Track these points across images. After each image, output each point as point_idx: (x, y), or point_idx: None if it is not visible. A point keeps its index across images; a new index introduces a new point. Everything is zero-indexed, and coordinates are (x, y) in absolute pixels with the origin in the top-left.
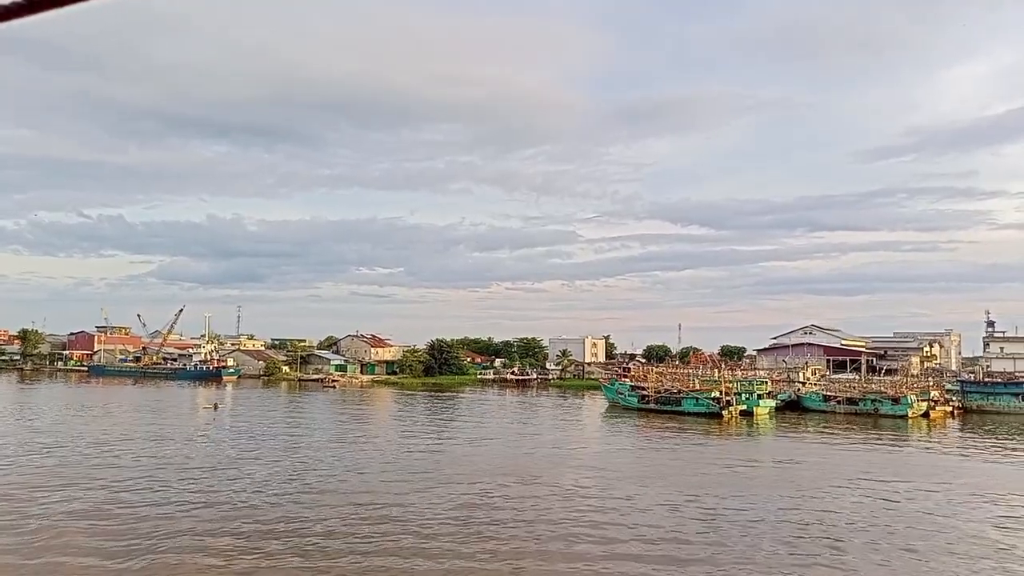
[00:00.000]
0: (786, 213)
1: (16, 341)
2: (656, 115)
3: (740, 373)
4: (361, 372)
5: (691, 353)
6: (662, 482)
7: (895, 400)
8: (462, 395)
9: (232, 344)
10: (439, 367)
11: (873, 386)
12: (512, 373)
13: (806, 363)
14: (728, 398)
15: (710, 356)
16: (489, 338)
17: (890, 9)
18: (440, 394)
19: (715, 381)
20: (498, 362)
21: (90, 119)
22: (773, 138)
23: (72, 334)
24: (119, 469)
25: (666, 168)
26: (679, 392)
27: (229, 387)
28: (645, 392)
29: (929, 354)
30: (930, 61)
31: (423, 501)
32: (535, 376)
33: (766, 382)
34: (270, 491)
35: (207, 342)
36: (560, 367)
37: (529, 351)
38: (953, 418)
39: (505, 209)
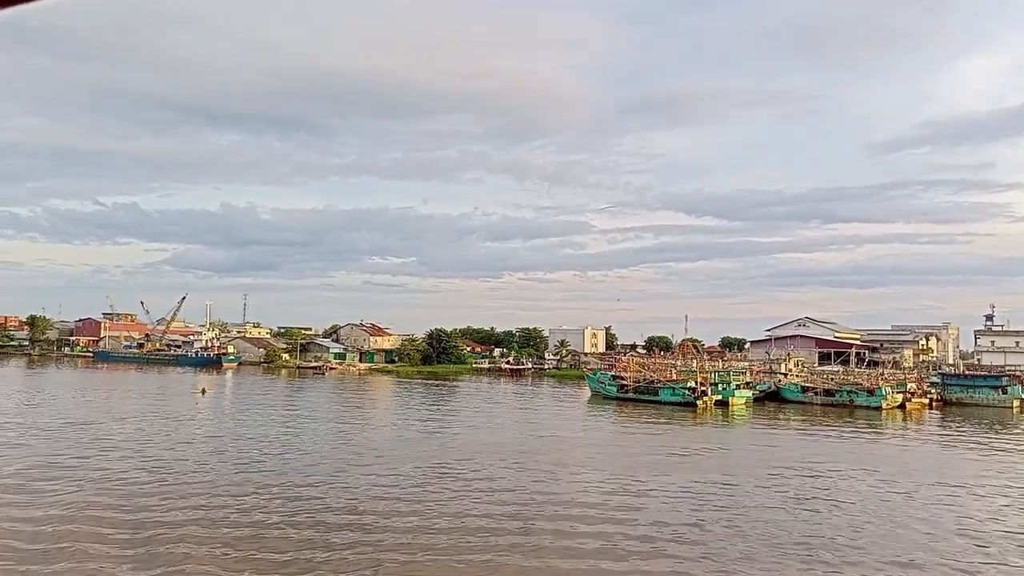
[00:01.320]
0: (800, 205)
1: (25, 327)
2: (668, 107)
3: (722, 364)
4: (360, 360)
5: (677, 344)
6: (613, 463)
7: (870, 392)
8: (454, 383)
9: (238, 332)
10: (437, 356)
11: (850, 378)
12: (507, 363)
13: (788, 355)
14: (703, 388)
15: (693, 346)
16: (492, 328)
17: (904, 1)
18: (433, 382)
19: (692, 372)
20: (497, 352)
21: (103, 108)
22: (786, 130)
23: (79, 321)
24: (78, 446)
25: (679, 159)
26: (656, 382)
27: (229, 373)
28: (625, 382)
29: (925, 347)
30: (944, 53)
31: (366, 481)
32: (530, 366)
33: (743, 373)
34: (215, 471)
35: (208, 330)
36: (557, 357)
37: (530, 341)
38: (932, 410)
39: (517, 199)
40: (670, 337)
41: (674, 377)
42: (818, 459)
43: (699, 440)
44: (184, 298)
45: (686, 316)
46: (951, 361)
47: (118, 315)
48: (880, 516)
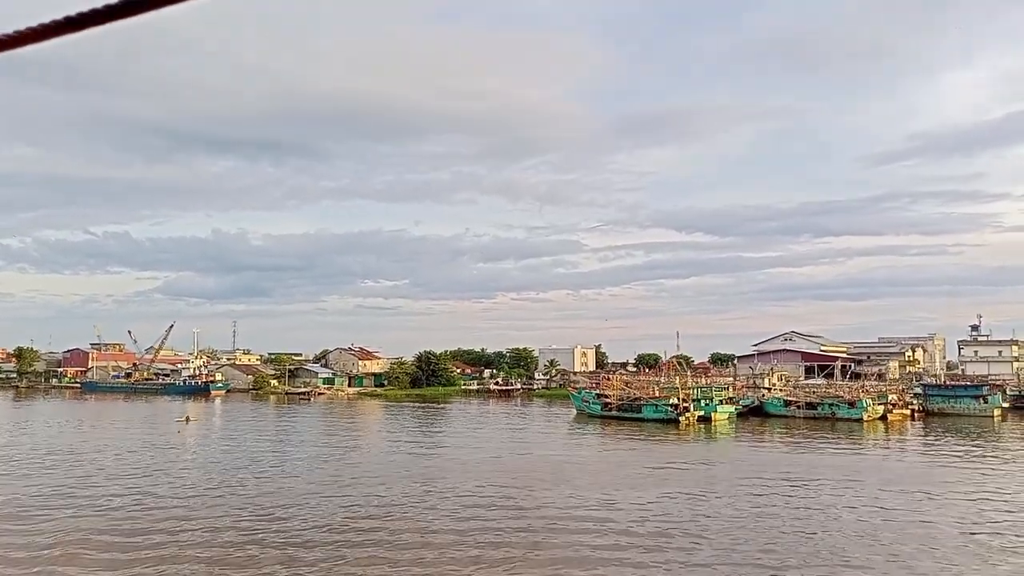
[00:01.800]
0: (791, 219)
1: (12, 359)
2: (659, 125)
3: (705, 380)
4: (349, 385)
5: (659, 361)
6: (590, 478)
7: (851, 404)
8: (443, 406)
9: (227, 359)
10: (426, 379)
11: (832, 391)
12: (496, 383)
13: (771, 369)
14: (685, 405)
15: (677, 363)
16: (483, 349)
17: (891, 18)
18: (422, 405)
19: (674, 388)
20: (487, 373)
21: (96, 136)
22: (776, 146)
23: (67, 352)
24: (52, 475)
25: (670, 177)
26: (639, 399)
27: (217, 401)
28: (608, 400)
29: (912, 359)
30: (931, 67)
31: (339, 503)
32: (519, 386)
33: (726, 388)
34: (197, 493)
35: (196, 357)
36: (547, 377)
37: (520, 361)
38: (914, 420)
39: (509, 219)
40: (661, 355)
41: (657, 394)
42: (791, 470)
43: (678, 455)
44: (172, 326)
45: (677, 333)
46: (937, 371)
47: (106, 345)
48: (841, 524)
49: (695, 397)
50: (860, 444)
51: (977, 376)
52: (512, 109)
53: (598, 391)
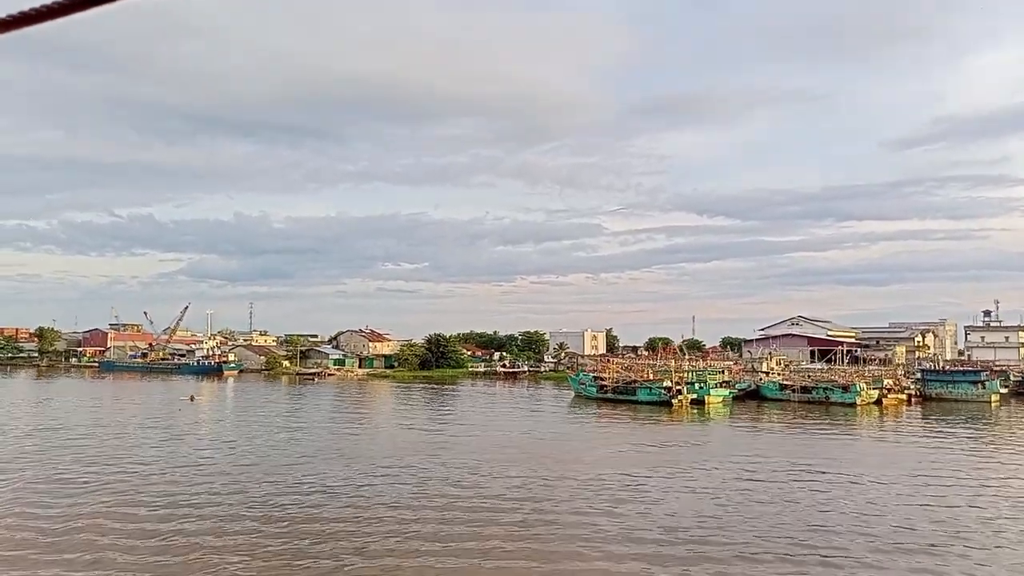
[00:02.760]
0: (813, 203)
1: (35, 339)
2: (680, 108)
3: (705, 364)
4: (359, 366)
5: (660, 344)
6: (570, 456)
7: (844, 388)
8: (449, 387)
9: (244, 340)
10: (436, 361)
11: (827, 375)
12: (503, 366)
13: (770, 353)
14: (678, 387)
15: (678, 347)
16: (495, 332)
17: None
18: (428, 386)
19: (667, 371)
20: (496, 355)
21: (119, 120)
22: (799, 129)
23: (87, 332)
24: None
25: (690, 160)
26: (634, 383)
27: (230, 381)
28: (604, 383)
29: (922, 344)
30: (958, 49)
31: (316, 479)
32: (526, 369)
33: (721, 372)
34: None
35: (209, 338)
36: (556, 360)
37: (532, 344)
38: (910, 405)
39: (528, 203)
40: (676, 339)
41: (651, 377)
42: (771, 452)
43: (665, 436)
44: (187, 307)
45: (693, 317)
46: (936, 357)
47: (124, 326)
48: (798, 505)
49: (689, 380)
50: (848, 428)
51: (982, 362)
52: (530, 93)
53: (595, 374)
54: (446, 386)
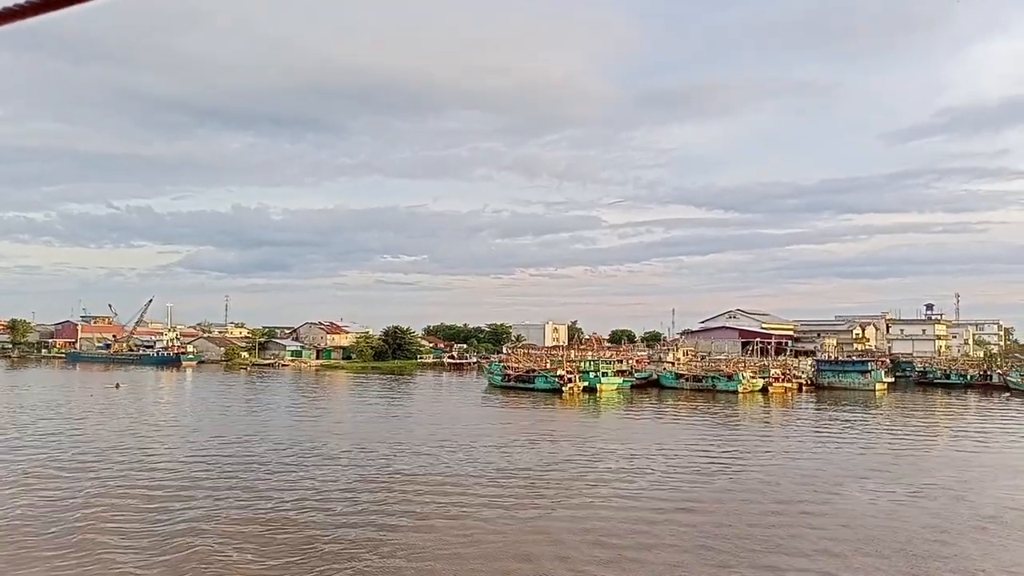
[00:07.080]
0: (812, 196)
1: (8, 331)
2: (681, 100)
3: (614, 354)
4: (317, 357)
5: (589, 336)
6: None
7: (729, 377)
8: (397, 377)
9: (219, 332)
10: (392, 352)
11: (716, 364)
12: (450, 357)
13: (677, 345)
14: (569, 376)
15: (597, 338)
16: (465, 324)
17: None
18: (377, 376)
19: (559, 361)
20: (457, 348)
21: (119, 112)
22: (800, 122)
23: (58, 324)
24: None
25: (690, 152)
26: (533, 371)
27: (188, 371)
28: (509, 372)
29: (861, 336)
30: (960, 39)
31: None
32: (474, 360)
33: (619, 361)
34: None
35: (169, 330)
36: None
37: (495, 337)
38: (800, 393)
39: (528, 195)
40: (664, 331)
41: (547, 366)
42: (626, 433)
43: (542, 418)
44: (151, 300)
45: (672, 310)
46: (883, 349)
47: (95, 318)
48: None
49: (583, 369)
50: (720, 413)
51: (902, 353)
52: (532, 85)
53: (503, 364)
54: (395, 376)
